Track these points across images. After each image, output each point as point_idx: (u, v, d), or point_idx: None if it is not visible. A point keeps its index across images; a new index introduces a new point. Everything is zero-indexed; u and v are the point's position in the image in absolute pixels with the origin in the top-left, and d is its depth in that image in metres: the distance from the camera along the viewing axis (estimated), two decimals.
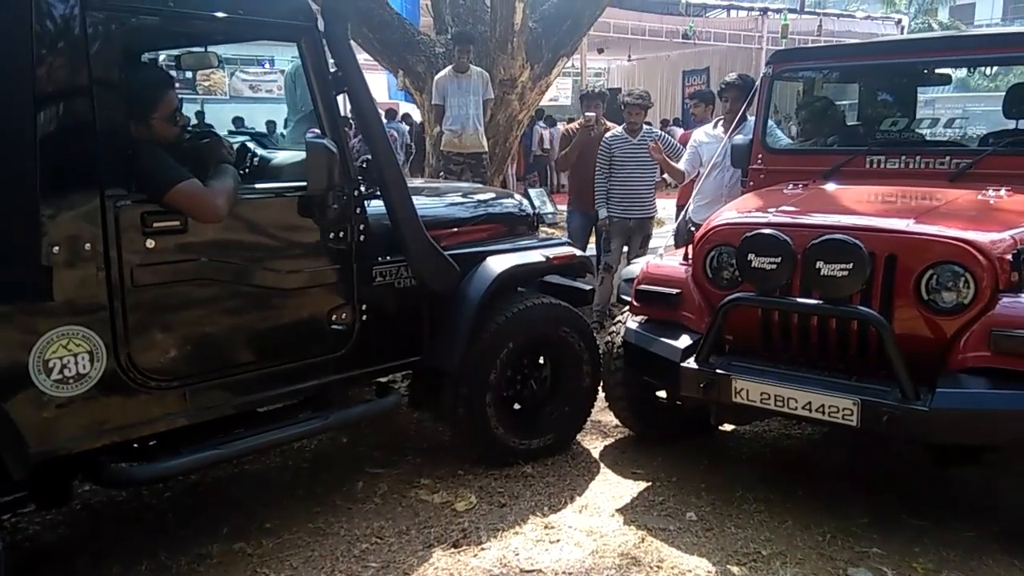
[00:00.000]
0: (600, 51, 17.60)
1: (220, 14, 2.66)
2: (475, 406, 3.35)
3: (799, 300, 2.89)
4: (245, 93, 15.47)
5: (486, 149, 6.70)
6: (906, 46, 4.42)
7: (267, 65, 15.14)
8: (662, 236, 5.75)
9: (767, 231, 2.93)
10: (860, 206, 3.32)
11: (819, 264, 2.75)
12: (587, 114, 5.80)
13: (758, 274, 2.91)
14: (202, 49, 3.24)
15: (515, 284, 3.61)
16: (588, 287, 3.96)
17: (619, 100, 5.90)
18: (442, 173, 6.68)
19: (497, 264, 3.40)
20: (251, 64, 14.71)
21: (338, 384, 3.09)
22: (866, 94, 4.53)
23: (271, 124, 10.87)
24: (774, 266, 2.86)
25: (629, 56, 19.94)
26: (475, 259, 3.41)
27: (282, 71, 14.41)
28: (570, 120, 14.94)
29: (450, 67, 6.50)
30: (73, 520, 3.16)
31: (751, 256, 2.91)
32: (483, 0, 7.26)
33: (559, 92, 17.23)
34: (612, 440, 3.89)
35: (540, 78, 7.36)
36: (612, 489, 3.39)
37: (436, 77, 6.57)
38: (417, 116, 9.38)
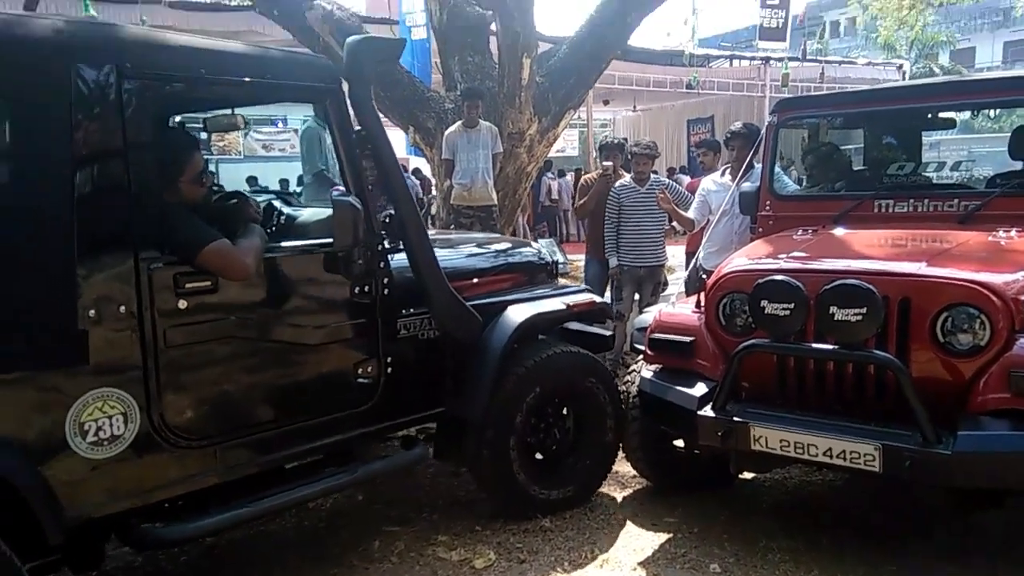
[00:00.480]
0: (606, 102, 17.85)
1: (249, 78, 2.73)
2: (499, 449, 3.34)
3: (814, 346, 2.88)
4: (259, 152, 15.70)
5: (495, 202, 6.77)
6: (910, 92, 4.46)
7: (280, 124, 15.42)
8: (676, 283, 5.77)
9: (779, 277, 2.94)
10: (871, 250, 3.33)
11: (833, 309, 2.75)
12: (605, 163, 5.89)
13: (771, 320, 2.91)
14: (230, 111, 3.33)
15: (537, 332, 3.64)
16: (609, 332, 3.99)
17: (627, 150, 5.99)
18: (452, 226, 6.74)
19: (519, 313, 3.43)
20: (264, 123, 15.00)
21: (365, 438, 3.10)
22: (871, 139, 4.57)
23: (284, 182, 11.04)
24: (787, 312, 2.86)
25: (634, 106, 20.20)
26: (497, 308, 3.44)
27: (295, 130, 14.66)
28: (578, 171, 15.12)
29: (460, 122, 6.61)
30: None
31: (764, 303, 2.91)
32: (491, 57, 7.42)
33: (566, 143, 17.44)
34: (630, 491, 3.85)
35: (548, 131, 7.47)
36: (633, 542, 3.34)
37: (446, 132, 6.68)
38: (427, 170, 9.52)
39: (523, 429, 3.42)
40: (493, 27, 7.14)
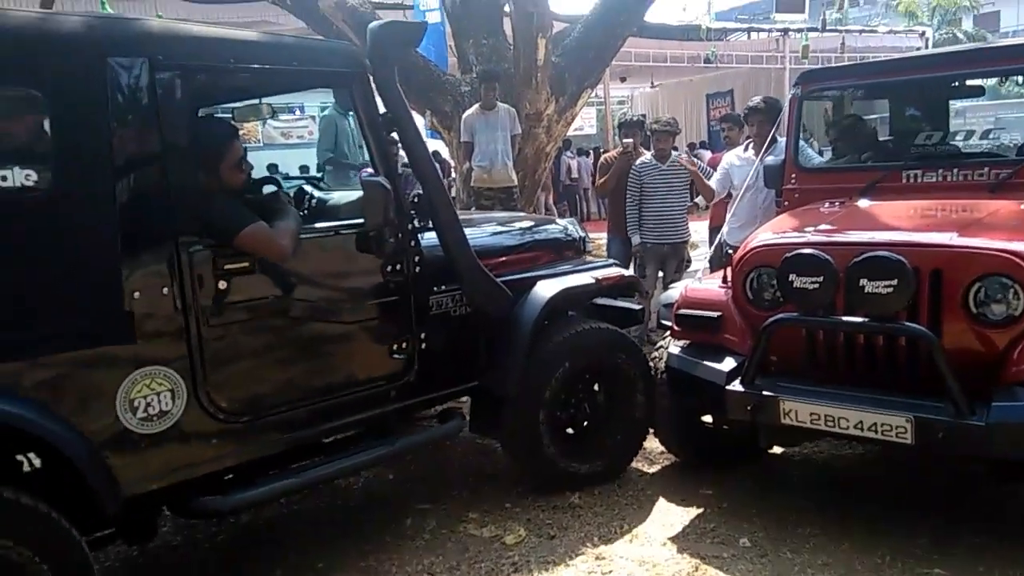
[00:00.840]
0: (623, 79, 17.68)
1: (277, 66, 2.80)
2: (528, 423, 3.39)
3: (845, 319, 2.86)
4: (277, 140, 15.76)
5: (515, 183, 6.76)
6: (934, 60, 4.38)
7: (297, 112, 15.45)
8: (699, 260, 5.75)
9: (808, 250, 2.92)
10: (900, 221, 3.29)
11: (863, 282, 2.73)
12: (625, 141, 5.87)
13: (800, 294, 2.90)
14: (257, 101, 3.39)
15: (567, 307, 3.68)
16: (639, 306, 4.01)
17: (647, 128, 5.96)
18: (473, 208, 6.74)
19: (548, 288, 3.47)
20: (282, 111, 15.00)
21: (401, 411, 3.17)
22: (897, 109, 4.50)
23: (304, 168, 11.06)
24: (816, 286, 2.84)
25: (652, 83, 19.98)
26: (527, 284, 3.48)
27: (312, 117, 14.67)
28: (596, 149, 15.00)
29: (477, 105, 6.59)
30: (128, 562, 3.20)
31: (792, 276, 2.90)
32: (506, 38, 7.37)
33: (583, 122, 17.30)
34: (659, 467, 3.86)
35: (566, 110, 7.42)
36: (662, 517, 3.36)
37: (464, 115, 6.66)
38: (445, 153, 9.53)
39: (553, 403, 3.46)
40: (507, 8, 7.08)
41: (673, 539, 3.16)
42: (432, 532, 3.29)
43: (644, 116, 6.93)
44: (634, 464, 3.82)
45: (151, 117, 2.41)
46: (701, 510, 3.39)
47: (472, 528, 3.30)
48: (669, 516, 3.36)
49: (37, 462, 2.21)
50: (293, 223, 2.78)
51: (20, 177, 2.18)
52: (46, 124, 2.27)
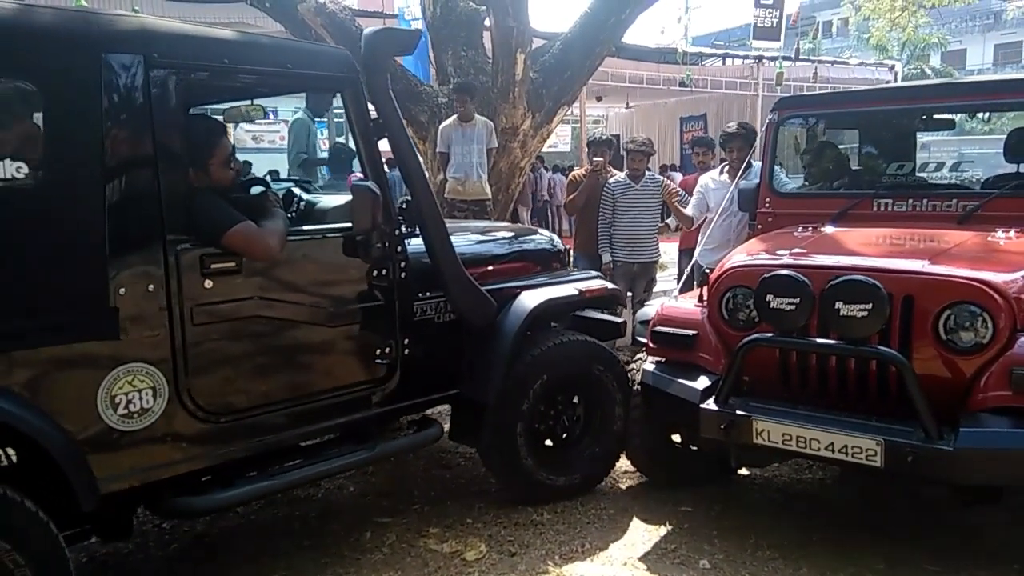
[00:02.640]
0: (599, 99, 17.80)
1: (271, 68, 2.80)
2: (505, 434, 3.36)
3: (819, 341, 2.87)
4: (248, 144, 15.62)
5: (489, 196, 6.74)
6: (910, 92, 4.46)
7: (270, 117, 15.30)
8: (665, 280, 5.76)
9: (786, 272, 2.93)
10: (873, 248, 3.33)
11: (838, 305, 2.75)
12: (595, 159, 5.88)
13: (776, 315, 2.90)
14: (249, 101, 3.39)
15: (549, 318, 3.67)
16: (621, 320, 4.00)
17: (622, 147, 5.97)
18: None
19: (532, 298, 3.47)
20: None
21: (382, 416, 3.15)
22: (870, 138, 4.57)
23: (275, 172, 10.94)
24: (793, 307, 2.85)
25: (627, 103, 20.16)
26: (511, 294, 3.48)
27: (285, 121, 14.56)
28: (570, 167, 15.10)
29: (455, 116, 6.57)
30: (78, 569, 3.07)
31: (769, 297, 2.90)
32: (485, 52, 7.38)
33: (558, 139, 17.40)
34: (624, 486, 3.83)
35: (541, 126, 7.44)
36: (624, 536, 3.32)
37: (441, 126, 6.64)
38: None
39: (531, 415, 3.44)
40: (487, 22, 7.09)
41: (634, 559, 3.13)
42: (391, 546, 3.22)
43: (617, 136, 6.96)
44: None
45: (144, 114, 2.40)
46: (663, 530, 3.36)
47: (432, 543, 3.24)
48: (631, 535, 3.33)
49: (14, 456, 2.17)
50: (281, 224, 2.76)
51: (10, 169, 2.17)
52: (38, 117, 2.25)
